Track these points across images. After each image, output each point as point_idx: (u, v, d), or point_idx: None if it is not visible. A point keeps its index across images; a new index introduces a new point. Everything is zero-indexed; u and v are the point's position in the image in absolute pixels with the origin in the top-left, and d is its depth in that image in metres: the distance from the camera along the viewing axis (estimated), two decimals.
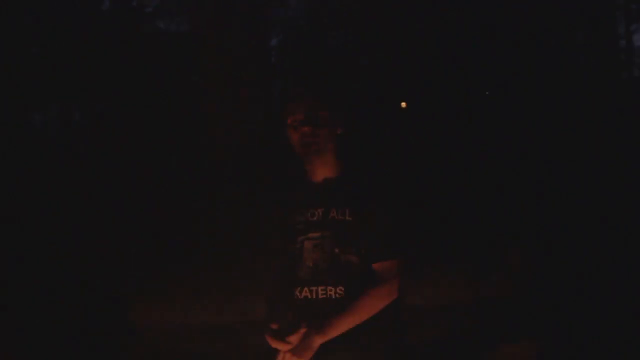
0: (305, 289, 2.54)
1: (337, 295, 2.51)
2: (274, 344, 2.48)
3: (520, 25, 10.27)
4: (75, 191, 5.66)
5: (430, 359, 3.19)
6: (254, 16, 6.62)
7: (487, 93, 9.25)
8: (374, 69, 7.40)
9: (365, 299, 2.52)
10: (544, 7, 10.47)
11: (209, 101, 5.97)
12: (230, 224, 4.48)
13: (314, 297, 2.53)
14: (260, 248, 2.85)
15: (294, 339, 2.44)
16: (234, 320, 3.99)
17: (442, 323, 3.25)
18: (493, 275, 3.35)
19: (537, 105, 8.75)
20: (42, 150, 7.79)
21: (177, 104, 7.50)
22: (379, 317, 2.61)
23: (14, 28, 8.87)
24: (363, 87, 7.16)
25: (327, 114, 2.61)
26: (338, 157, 2.68)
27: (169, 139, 6.72)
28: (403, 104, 8.33)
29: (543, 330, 3.25)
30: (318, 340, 2.45)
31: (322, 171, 2.66)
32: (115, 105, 8.09)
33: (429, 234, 3.53)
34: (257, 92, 6.08)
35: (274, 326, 2.52)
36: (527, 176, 6.19)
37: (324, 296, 2.52)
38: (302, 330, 2.44)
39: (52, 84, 8.67)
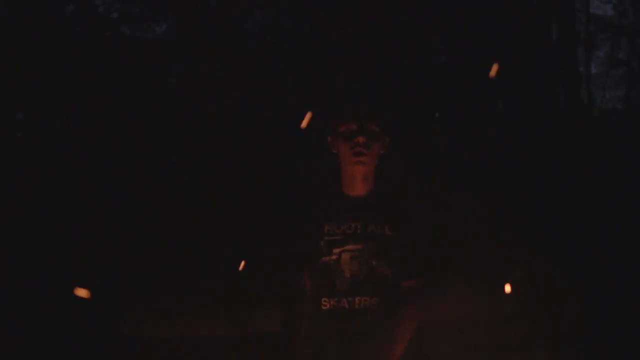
0: (344, 299, 2.58)
1: (372, 307, 2.55)
2: None
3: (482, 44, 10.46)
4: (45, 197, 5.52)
5: None
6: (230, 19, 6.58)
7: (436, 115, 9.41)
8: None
9: (406, 323, 2.59)
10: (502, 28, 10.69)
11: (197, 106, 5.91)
12: (232, 232, 4.41)
13: (351, 307, 2.57)
14: (282, 258, 2.80)
15: None
16: (233, 334, 3.91)
17: (457, 338, 3.23)
18: (505, 288, 3.35)
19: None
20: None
21: (149, 108, 7.40)
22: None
23: None
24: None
25: (378, 129, 2.65)
26: (376, 175, 2.73)
27: (145, 143, 6.61)
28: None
29: (559, 343, 3.26)
30: None
31: (361, 186, 2.70)
32: (83, 108, 7.91)
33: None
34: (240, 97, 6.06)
35: None
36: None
37: (359, 307, 2.57)
38: None
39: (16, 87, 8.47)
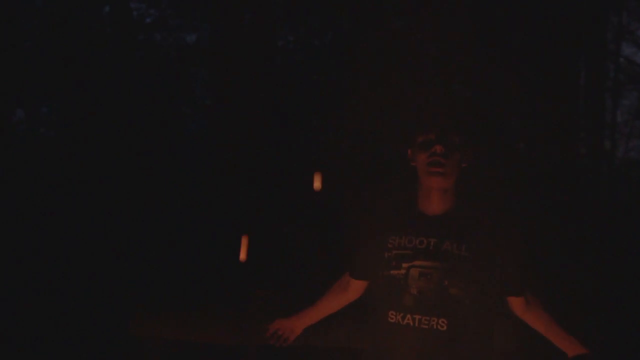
0: (409, 316, 2.47)
1: (440, 327, 2.47)
2: None
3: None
4: (75, 194, 5.51)
5: None
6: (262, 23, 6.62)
7: None
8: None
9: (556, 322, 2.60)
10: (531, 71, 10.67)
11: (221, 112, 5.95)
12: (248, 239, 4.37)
13: (417, 325, 2.48)
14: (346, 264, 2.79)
15: None
16: (242, 342, 3.86)
17: None
18: None
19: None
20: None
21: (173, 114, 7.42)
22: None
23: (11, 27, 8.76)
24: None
25: (458, 139, 2.54)
26: (455, 191, 2.62)
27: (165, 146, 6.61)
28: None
29: None
30: None
31: (438, 201, 2.58)
32: (110, 110, 7.94)
33: None
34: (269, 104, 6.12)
35: None
36: None
37: (427, 326, 2.47)
38: None
39: (43, 84, 8.53)
